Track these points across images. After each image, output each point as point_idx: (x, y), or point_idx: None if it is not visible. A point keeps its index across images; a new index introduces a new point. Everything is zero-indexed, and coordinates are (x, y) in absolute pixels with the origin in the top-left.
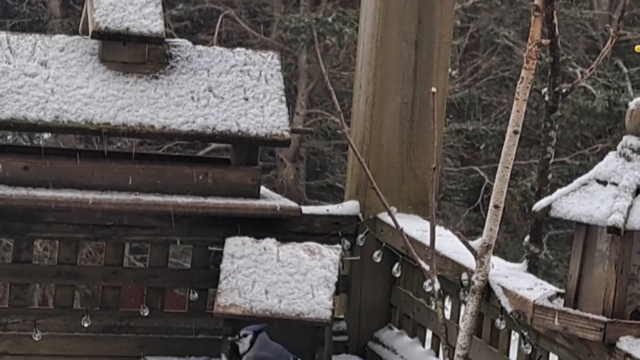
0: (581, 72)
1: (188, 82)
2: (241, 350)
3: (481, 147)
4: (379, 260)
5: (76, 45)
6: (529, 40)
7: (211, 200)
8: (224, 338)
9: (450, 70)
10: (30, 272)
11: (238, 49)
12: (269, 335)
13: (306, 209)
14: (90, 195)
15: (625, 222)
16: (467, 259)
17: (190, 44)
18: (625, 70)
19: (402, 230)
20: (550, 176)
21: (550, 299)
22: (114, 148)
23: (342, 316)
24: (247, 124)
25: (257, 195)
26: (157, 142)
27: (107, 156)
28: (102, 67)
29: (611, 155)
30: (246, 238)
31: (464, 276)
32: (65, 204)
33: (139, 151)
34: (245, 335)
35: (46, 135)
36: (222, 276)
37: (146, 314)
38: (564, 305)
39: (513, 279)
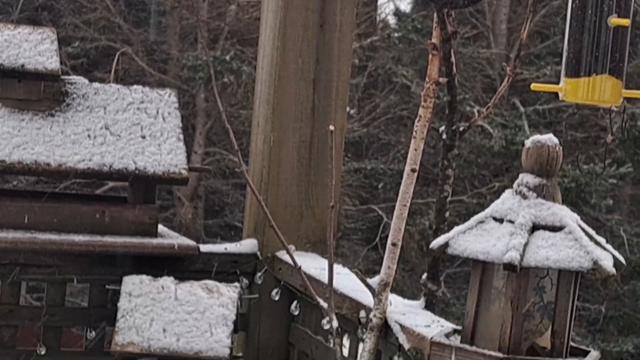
0: (478, 111)
1: (84, 120)
2: None
3: (379, 186)
4: (277, 298)
5: None
6: (427, 79)
7: (108, 239)
8: None
9: (348, 109)
10: None
11: (135, 86)
12: None
13: (204, 247)
14: None
15: (521, 259)
16: (365, 297)
17: (86, 81)
18: (522, 109)
19: (300, 268)
20: (447, 214)
21: (447, 335)
22: (9, 186)
23: (240, 354)
24: (144, 162)
25: (155, 234)
26: (53, 180)
27: (2, 194)
28: None
29: (507, 193)
30: (144, 276)
31: (362, 314)
32: None
33: (35, 189)
34: None
35: None
36: (119, 314)
37: (43, 352)
38: (461, 342)
39: (411, 316)
